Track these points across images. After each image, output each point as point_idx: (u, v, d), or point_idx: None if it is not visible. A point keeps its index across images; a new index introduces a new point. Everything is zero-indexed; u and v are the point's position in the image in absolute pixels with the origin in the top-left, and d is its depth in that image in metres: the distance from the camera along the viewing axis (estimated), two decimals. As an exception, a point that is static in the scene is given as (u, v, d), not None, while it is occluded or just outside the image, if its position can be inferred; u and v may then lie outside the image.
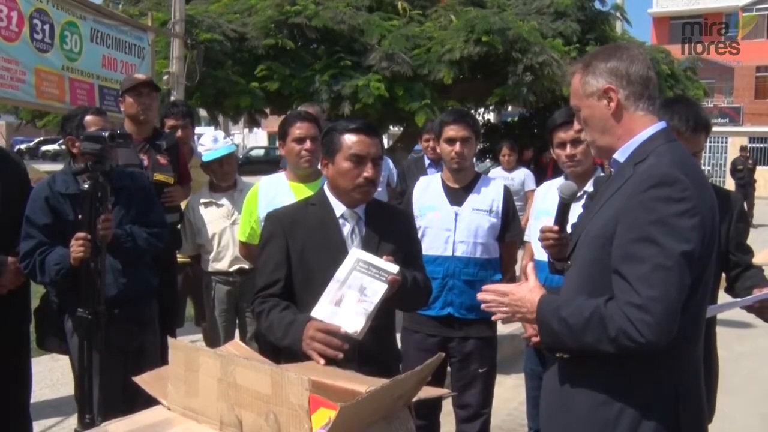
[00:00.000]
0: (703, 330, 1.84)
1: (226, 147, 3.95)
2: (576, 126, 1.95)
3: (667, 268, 1.62)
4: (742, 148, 20.02)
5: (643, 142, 1.81)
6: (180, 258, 4.21)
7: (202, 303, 4.19)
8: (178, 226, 4.06)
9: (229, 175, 4.03)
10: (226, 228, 3.93)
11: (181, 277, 4.24)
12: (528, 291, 1.86)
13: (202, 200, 4.03)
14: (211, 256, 3.96)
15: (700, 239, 1.67)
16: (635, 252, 1.66)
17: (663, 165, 1.72)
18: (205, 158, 3.98)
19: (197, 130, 5.48)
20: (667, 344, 1.63)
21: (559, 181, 3.20)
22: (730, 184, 20.89)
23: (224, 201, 3.99)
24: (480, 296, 1.95)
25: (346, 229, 2.38)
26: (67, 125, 3.11)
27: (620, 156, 1.85)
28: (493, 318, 1.98)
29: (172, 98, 7.53)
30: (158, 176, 3.76)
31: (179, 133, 4.29)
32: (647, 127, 1.82)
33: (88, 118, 3.10)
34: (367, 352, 2.19)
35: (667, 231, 1.64)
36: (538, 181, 3.80)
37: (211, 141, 3.98)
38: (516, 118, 13.78)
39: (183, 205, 4.11)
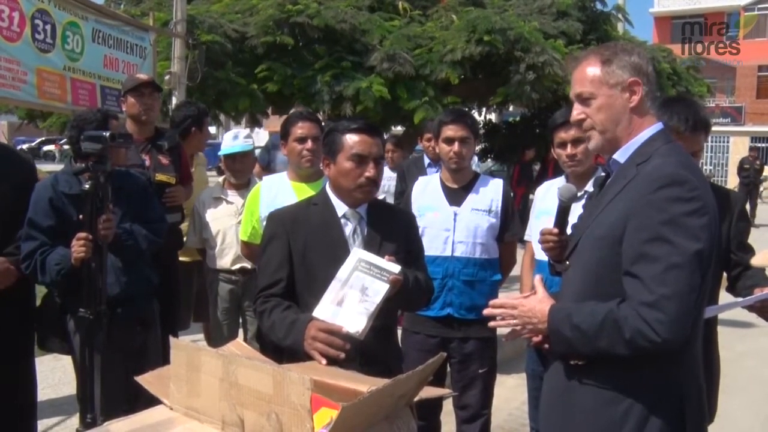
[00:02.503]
0: (701, 329, 1.85)
1: (241, 145, 4.00)
2: (577, 111, 1.91)
3: (680, 267, 1.63)
4: (752, 149, 20.15)
5: (644, 143, 1.82)
6: (188, 258, 4.22)
7: (204, 301, 4.21)
8: (180, 226, 4.08)
9: (240, 173, 4.06)
10: (231, 226, 3.94)
11: (190, 280, 4.26)
12: (538, 302, 1.86)
13: (214, 195, 4.07)
14: (215, 252, 3.98)
15: (709, 238, 1.68)
16: (648, 252, 1.66)
17: (671, 165, 1.73)
18: (221, 152, 4.07)
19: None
20: (682, 342, 1.64)
21: (560, 180, 3.20)
22: (733, 184, 20.92)
23: (234, 199, 4.02)
24: (487, 312, 1.95)
25: (348, 228, 2.39)
26: (87, 127, 2.99)
27: (620, 156, 1.85)
28: (504, 336, 1.98)
29: (174, 98, 7.53)
30: (160, 176, 3.77)
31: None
32: (649, 127, 1.84)
33: (114, 122, 3.11)
34: (368, 352, 2.19)
35: (680, 230, 1.65)
36: (541, 181, 3.79)
37: (231, 137, 4.06)
38: (518, 118, 13.76)
39: (185, 204, 4.13)
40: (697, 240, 1.65)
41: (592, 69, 1.87)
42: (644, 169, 1.76)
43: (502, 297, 1.99)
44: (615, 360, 1.71)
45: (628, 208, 1.73)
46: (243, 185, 4.05)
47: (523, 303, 1.88)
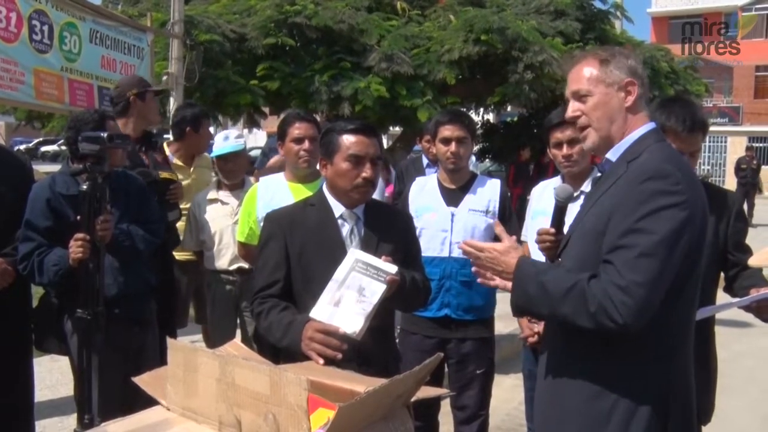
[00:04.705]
0: (692, 329, 1.87)
1: (232, 145, 4.00)
2: (573, 108, 1.96)
3: (653, 256, 1.66)
4: (749, 148, 20.06)
5: (635, 141, 1.87)
6: (187, 256, 4.22)
7: (203, 303, 4.21)
8: (178, 224, 4.07)
9: (232, 173, 4.05)
10: (227, 226, 3.93)
11: (186, 278, 4.26)
12: (503, 250, 1.90)
13: (208, 197, 4.06)
14: (212, 253, 3.98)
15: (689, 232, 1.70)
16: (625, 242, 1.70)
17: (656, 160, 1.78)
18: (213, 154, 4.07)
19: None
20: (639, 330, 1.66)
21: (555, 181, 3.20)
22: (730, 184, 20.91)
23: (229, 199, 4.01)
24: (461, 246, 2.00)
25: (345, 229, 2.39)
26: (85, 128, 2.98)
27: (612, 155, 1.91)
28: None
29: (172, 99, 7.52)
30: (164, 174, 3.79)
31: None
32: (641, 127, 1.90)
33: (111, 123, 3.10)
34: (366, 352, 2.20)
35: (657, 221, 1.68)
36: (535, 181, 3.79)
37: (221, 138, 4.06)
38: (515, 118, 13.76)
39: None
40: (675, 232, 1.68)
41: (589, 69, 1.93)
42: (633, 165, 1.81)
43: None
44: (597, 353, 1.74)
45: (614, 202, 1.77)
46: (237, 185, 4.04)
47: (489, 249, 1.93)
